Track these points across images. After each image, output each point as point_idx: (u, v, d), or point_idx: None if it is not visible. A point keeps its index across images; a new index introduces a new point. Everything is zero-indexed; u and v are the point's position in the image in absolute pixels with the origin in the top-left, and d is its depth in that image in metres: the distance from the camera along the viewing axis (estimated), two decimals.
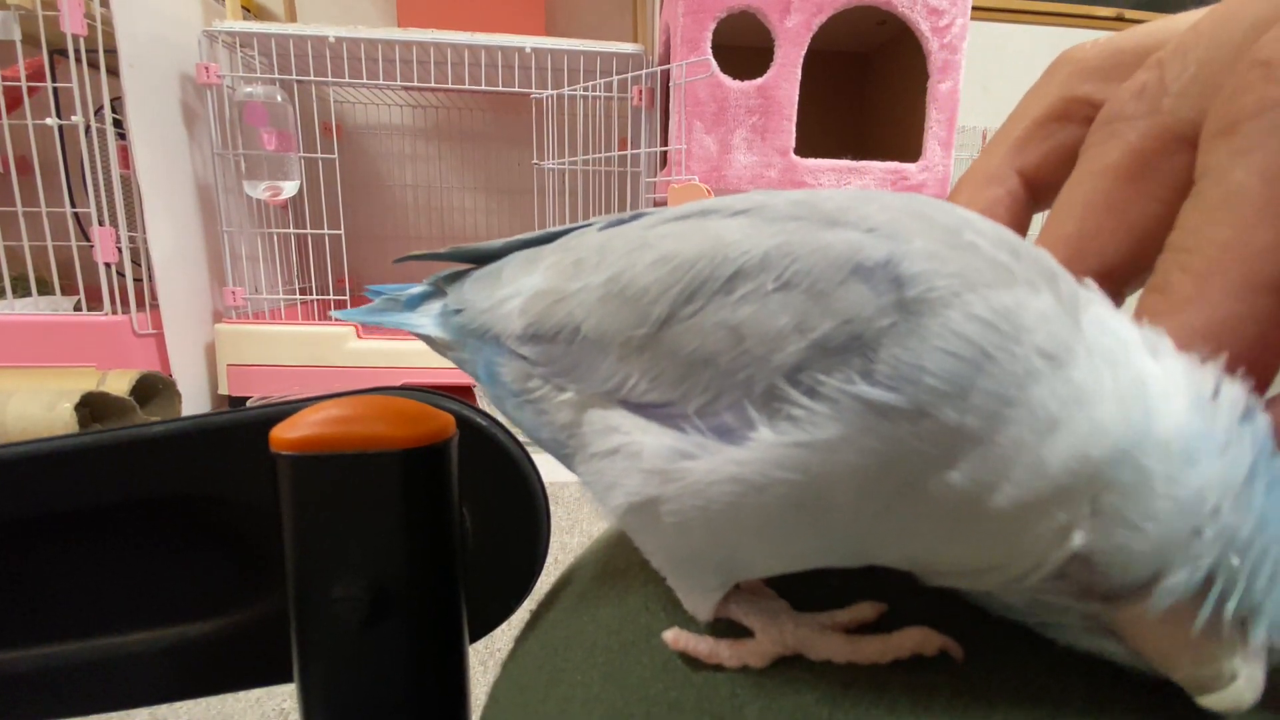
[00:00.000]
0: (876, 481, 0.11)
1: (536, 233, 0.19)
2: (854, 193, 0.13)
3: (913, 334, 0.10)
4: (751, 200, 0.14)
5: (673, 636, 0.15)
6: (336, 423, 0.20)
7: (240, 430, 0.22)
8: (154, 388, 1.15)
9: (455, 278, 0.19)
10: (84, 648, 0.24)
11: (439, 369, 1.33)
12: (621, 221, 0.16)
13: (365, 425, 0.20)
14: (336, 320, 1.37)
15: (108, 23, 1.11)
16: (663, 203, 1.15)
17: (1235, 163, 0.12)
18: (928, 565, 0.12)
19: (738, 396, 0.12)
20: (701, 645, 0.14)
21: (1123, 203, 0.14)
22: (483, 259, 0.19)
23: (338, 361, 1.33)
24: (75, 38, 1.08)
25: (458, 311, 0.18)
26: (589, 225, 0.17)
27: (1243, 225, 0.11)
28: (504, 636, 0.25)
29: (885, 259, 0.11)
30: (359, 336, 1.34)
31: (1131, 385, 0.10)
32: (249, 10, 1.62)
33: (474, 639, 0.24)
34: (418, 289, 0.20)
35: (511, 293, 0.16)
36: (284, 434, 0.20)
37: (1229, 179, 0.12)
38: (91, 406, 1.01)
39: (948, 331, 0.10)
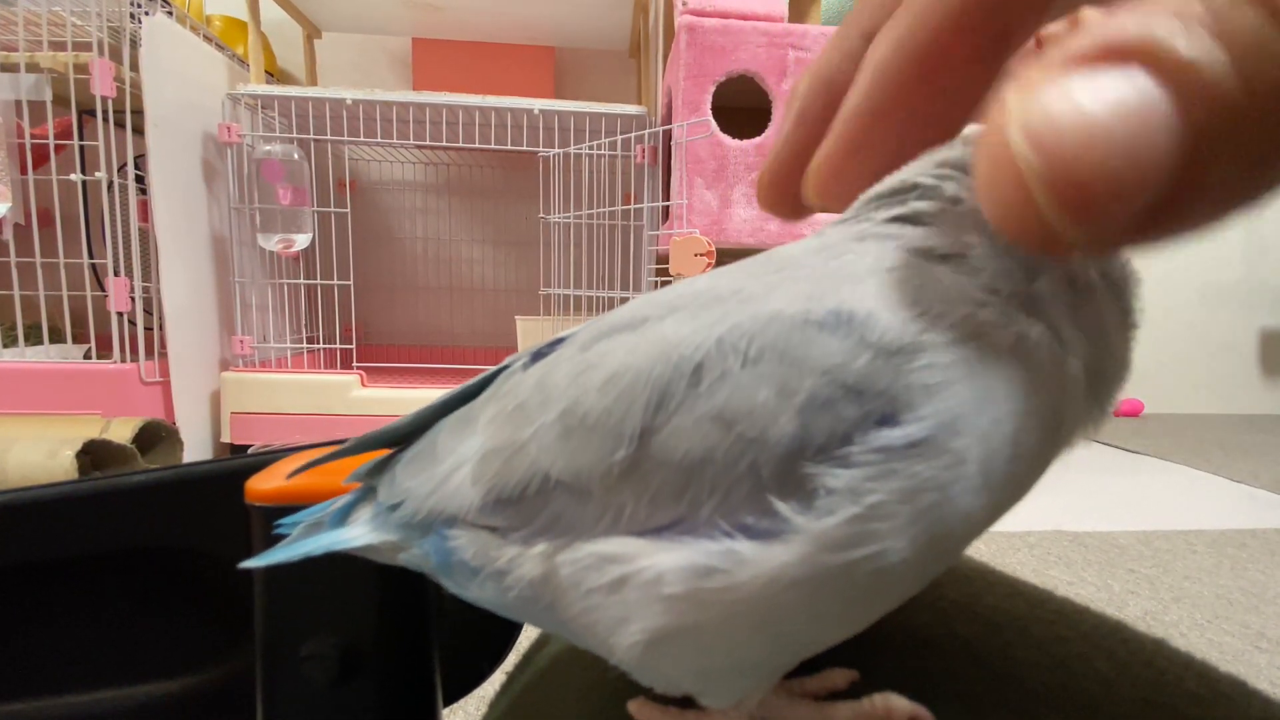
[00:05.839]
0: (932, 524, 0.11)
1: (450, 392, 0.17)
2: (755, 264, 0.14)
3: (897, 370, 0.11)
4: (674, 298, 0.13)
5: (636, 708, 0.14)
6: (312, 474, 0.20)
7: (218, 481, 0.22)
8: (157, 435, 1.15)
9: (381, 468, 0.17)
10: (53, 705, 0.24)
11: None
12: (542, 355, 0.15)
13: (342, 477, 0.20)
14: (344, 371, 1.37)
15: (136, 85, 1.16)
16: (665, 255, 1.17)
17: None
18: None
19: (750, 489, 0.11)
20: (665, 718, 0.14)
21: None
22: (395, 440, 0.17)
23: (341, 410, 1.33)
24: (104, 99, 1.13)
25: (395, 506, 0.16)
26: (510, 367, 0.16)
27: None
28: (485, 692, 0.24)
29: (834, 309, 0.11)
30: (363, 385, 1.34)
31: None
32: (272, 74, 1.70)
33: (447, 703, 0.23)
34: (341, 500, 0.17)
35: (454, 464, 0.15)
36: (259, 485, 0.20)
37: None
38: (93, 454, 1.01)
39: (925, 359, 0.11)
